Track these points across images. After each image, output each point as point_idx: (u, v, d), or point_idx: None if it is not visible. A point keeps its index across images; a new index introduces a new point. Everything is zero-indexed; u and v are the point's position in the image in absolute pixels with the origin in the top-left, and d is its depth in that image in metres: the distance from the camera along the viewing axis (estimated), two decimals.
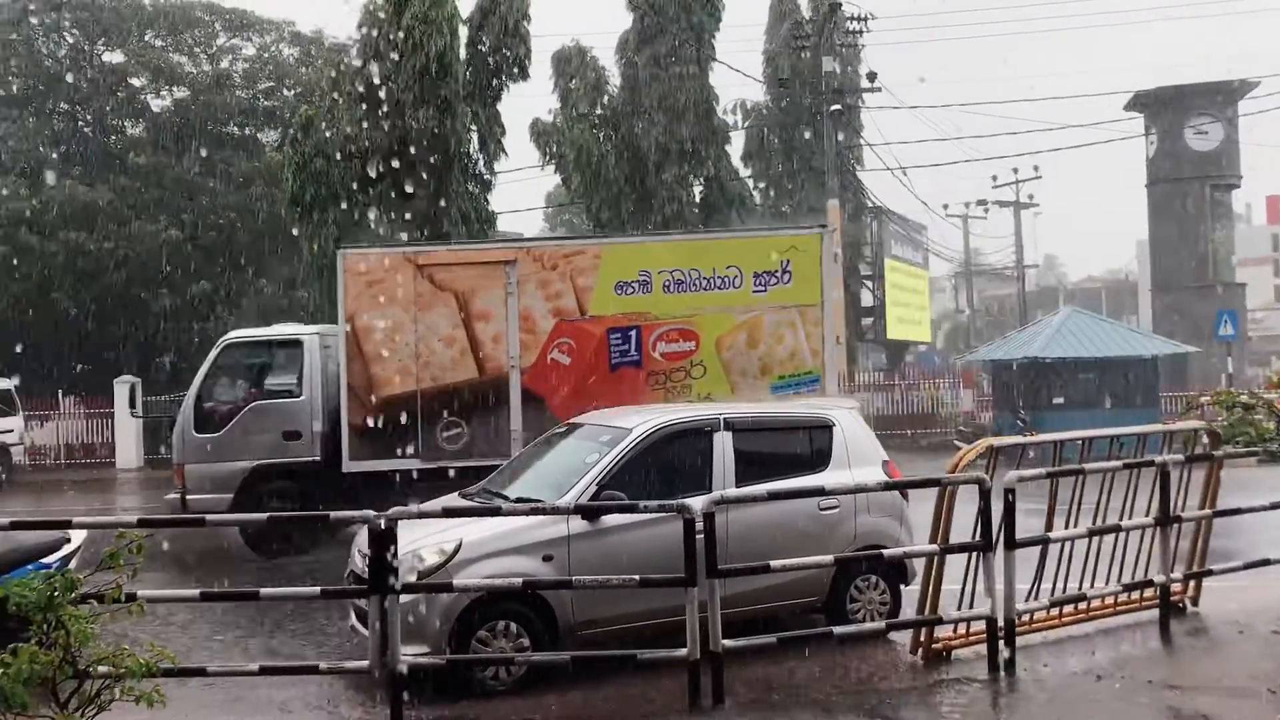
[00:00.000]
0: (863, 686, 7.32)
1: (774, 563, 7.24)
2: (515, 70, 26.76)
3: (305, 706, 7.28)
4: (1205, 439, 9.18)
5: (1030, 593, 7.87)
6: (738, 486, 7.97)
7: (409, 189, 24.35)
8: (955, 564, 7.62)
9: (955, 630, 7.78)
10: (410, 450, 12.77)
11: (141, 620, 5.85)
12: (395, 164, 24.02)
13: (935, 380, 30.82)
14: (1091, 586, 8.14)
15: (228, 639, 8.94)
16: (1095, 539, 8.15)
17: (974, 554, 7.50)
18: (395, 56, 24.45)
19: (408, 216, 24.00)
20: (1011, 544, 7.36)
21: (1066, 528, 8.07)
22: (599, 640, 7.59)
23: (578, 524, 7.51)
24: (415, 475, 12.57)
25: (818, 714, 6.78)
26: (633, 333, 12.93)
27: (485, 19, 26.47)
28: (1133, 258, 61.33)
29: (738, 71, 32.89)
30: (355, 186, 24.51)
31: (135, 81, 35.78)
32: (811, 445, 8.69)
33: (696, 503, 6.94)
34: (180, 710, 6.34)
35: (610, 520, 7.54)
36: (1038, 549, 7.88)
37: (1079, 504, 8.16)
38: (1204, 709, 6.65)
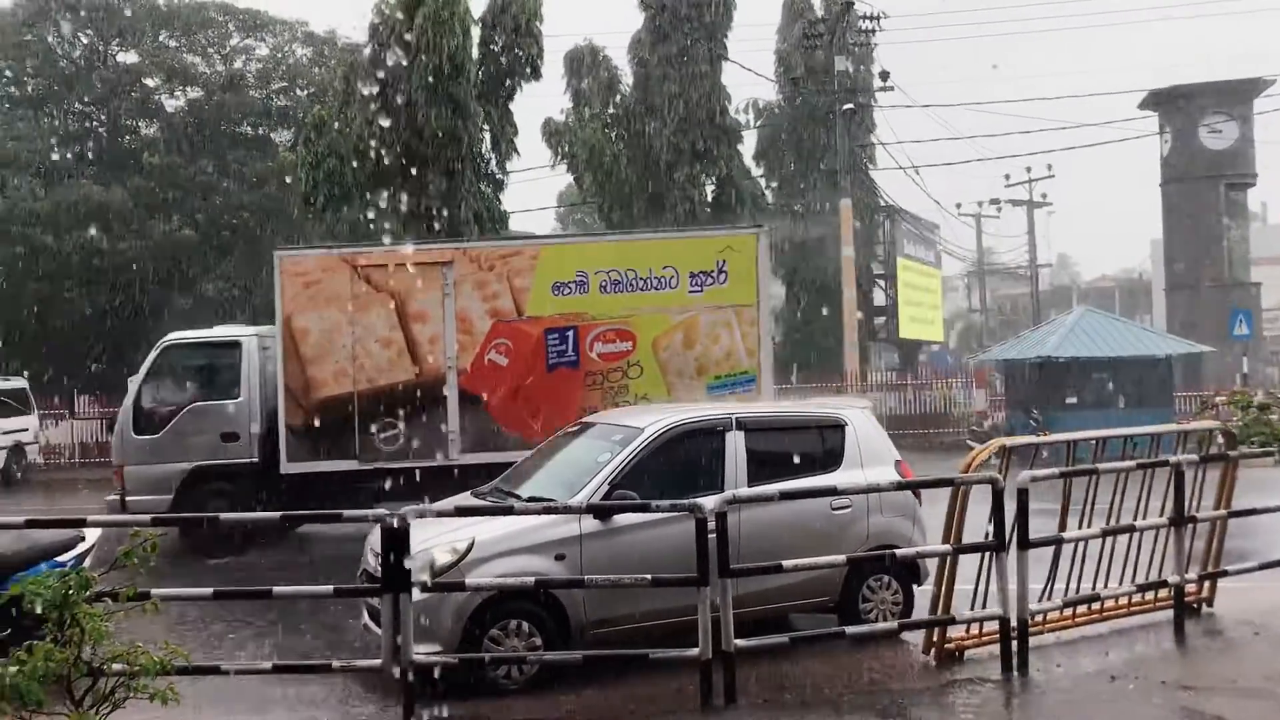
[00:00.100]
0: (875, 686, 7.31)
1: (786, 562, 7.22)
2: (527, 70, 26.81)
3: (318, 705, 7.30)
4: (1220, 439, 9.13)
5: (1044, 593, 7.84)
6: (750, 486, 7.96)
7: (421, 189, 24.42)
8: (968, 564, 7.59)
9: (968, 630, 7.75)
10: (348, 451, 12.82)
11: (153, 618, 5.86)
12: (407, 164, 24.08)
13: (948, 380, 30.72)
14: (1105, 587, 8.11)
15: (240, 637, 8.97)
16: (1109, 539, 8.11)
17: (987, 554, 7.47)
18: (408, 56, 24.49)
19: (420, 216, 24.04)
20: (1025, 544, 7.33)
21: (1080, 528, 8.03)
22: (611, 640, 7.59)
23: (590, 523, 7.51)
24: (354, 476, 12.68)
25: (830, 714, 6.77)
26: (570, 333, 12.99)
27: (497, 19, 26.52)
28: (1147, 257, 61.07)
29: (750, 71, 32.91)
30: (368, 186, 24.56)
31: (149, 82, 35.95)
32: (824, 445, 8.68)
33: (709, 502, 6.94)
34: (193, 708, 6.36)
35: (622, 520, 7.54)
36: (1051, 549, 7.85)
37: (1092, 504, 8.12)
38: (1218, 710, 6.61)
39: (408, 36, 24.49)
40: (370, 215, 24.69)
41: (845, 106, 30.38)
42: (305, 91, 35.66)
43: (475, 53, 25.73)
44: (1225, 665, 7.60)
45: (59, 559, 7.44)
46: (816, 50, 32.66)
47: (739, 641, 6.81)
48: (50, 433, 27.88)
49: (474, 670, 7.18)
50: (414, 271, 13.07)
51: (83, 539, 7.91)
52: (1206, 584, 8.77)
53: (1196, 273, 38.22)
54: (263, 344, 13.57)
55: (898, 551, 8.08)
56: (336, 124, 25.03)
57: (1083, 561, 8.02)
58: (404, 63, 24.57)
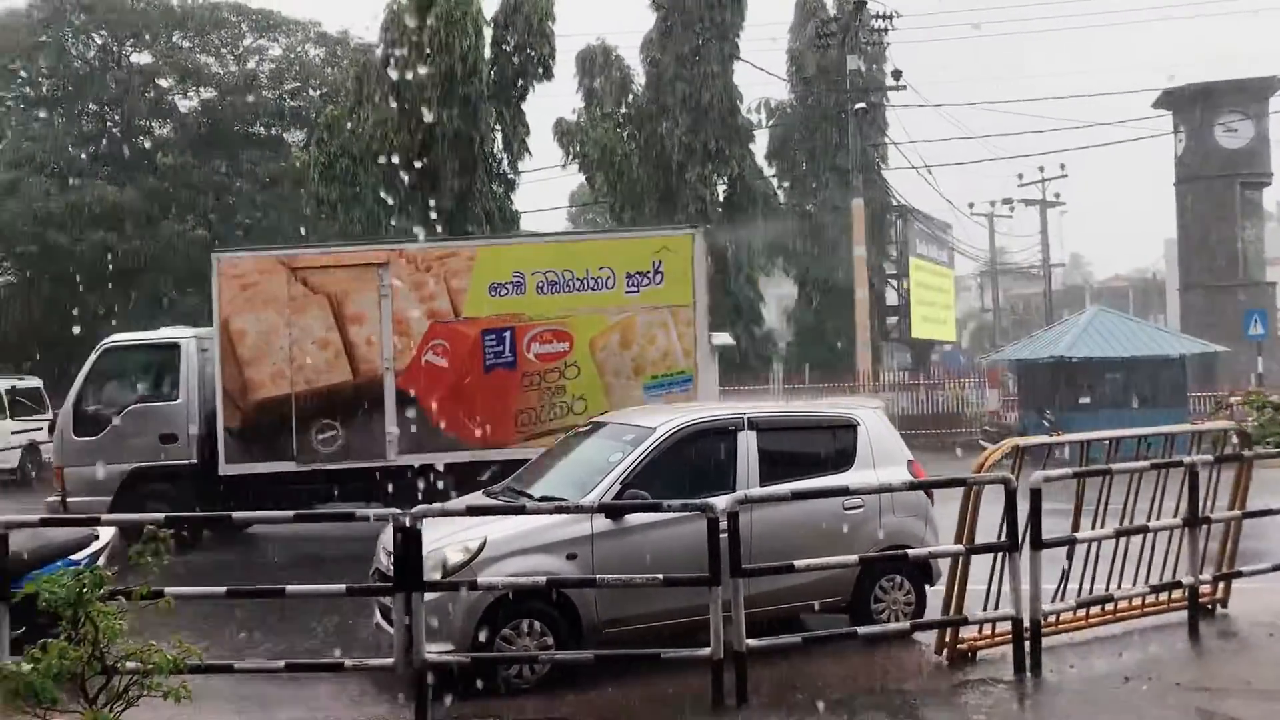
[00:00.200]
0: (887, 687, 7.29)
1: (798, 562, 7.22)
2: (539, 70, 26.86)
3: (330, 703, 7.31)
4: (1235, 439, 9.09)
5: (1056, 594, 7.81)
6: (762, 486, 7.95)
7: (433, 189, 24.48)
8: (981, 564, 7.57)
9: (980, 631, 7.73)
10: (285, 453, 12.84)
11: (165, 617, 5.89)
12: (420, 164, 24.15)
13: (960, 380, 30.64)
14: (1119, 588, 8.07)
15: (253, 636, 8.98)
16: (1122, 540, 8.08)
17: (1000, 554, 7.45)
18: (420, 57, 24.55)
19: (432, 216, 24.10)
20: (1038, 544, 7.31)
21: (1093, 528, 8.01)
22: (623, 639, 7.60)
23: (601, 523, 7.51)
24: (292, 477, 12.72)
25: (842, 714, 6.76)
26: (507, 334, 13.01)
27: (510, 19, 26.57)
28: (1160, 256, 60.79)
29: (762, 70, 32.84)
30: (380, 186, 24.64)
31: (163, 82, 36.11)
32: (836, 445, 8.66)
33: (720, 502, 6.93)
34: (206, 706, 6.38)
35: (634, 519, 7.54)
36: (1064, 550, 7.82)
37: (1106, 505, 8.09)
38: (1233, 712, 6.59)
39: (420, 37, 24.55)
40: (382, 215, 24.77)
41: (857, 106, 30.33)
42: (318, 92, 35.77)
43: (487, 53, 25.78)
44: (1240, 666, 7.56)
45: (73, 557, 7.49)
46: (829, 49, 32.62)
47: (751, 641, 6.81)
48: None
49: (486, 669, 7.19)
50: (350, 273, 13.13)
51: (96, 537, 7.96)
52: (1221, 585, 8.73)
53: (1211, 272, 38.02)
54: (202, 346, 13.60)
55: (910, 552, 8.07)
56: (349, 124, 25.13)
57: (1096, 562, 8.00)
58: (416, 63, 24.62)
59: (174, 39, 36.13)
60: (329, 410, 12.90)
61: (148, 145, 35.81)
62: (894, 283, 37.40)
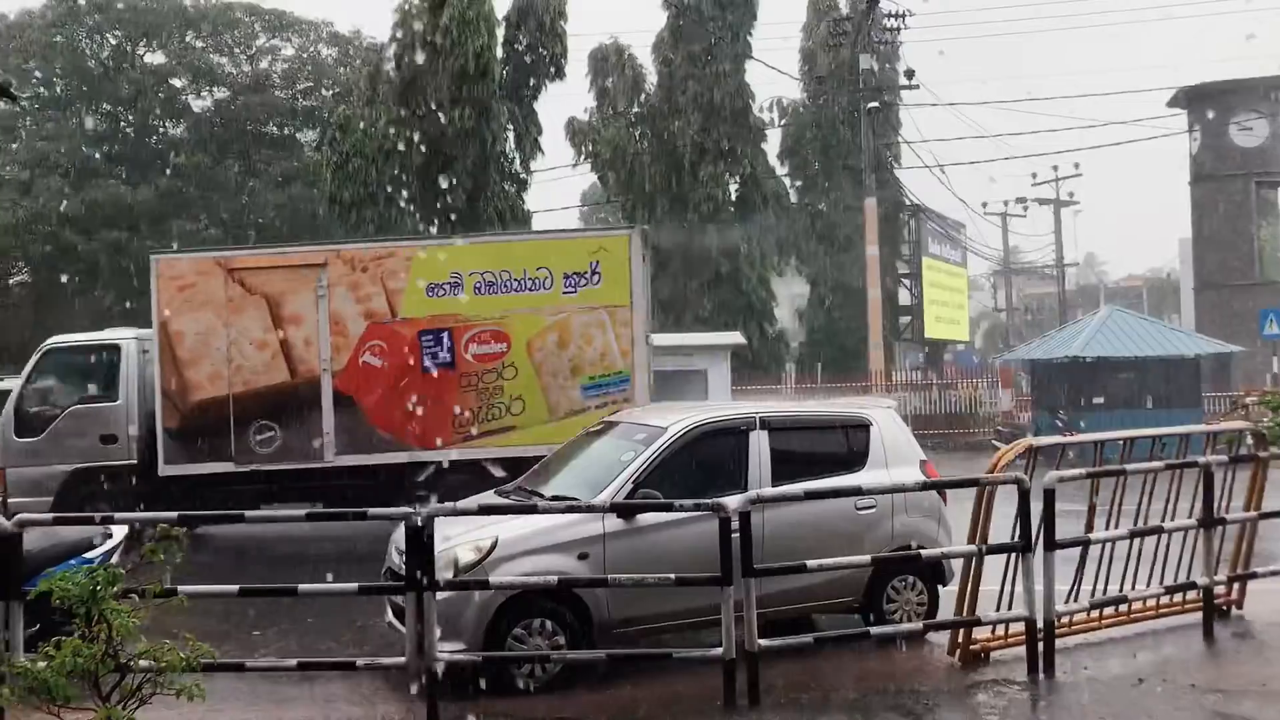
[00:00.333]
0: (899, 687, 7.27)
1: (810, 562, 7.20)
2: (551, 70, 26.88)
3: (342, 702, 7.33)
4: (1250, 440, 9.03)
5: (1070, 594, 7.78)
6: (774, 486, 7.93)
7: (446, 188, 24.51)
8: (994, 565, 7.55)
9: (993, 632, 7.71)
10: (223, 454, 12.86)
11: (174, 614, 5.90)
12: (432, 163, 24.19)
13: (973, 380, 30.57)
14: (1133, 589, 8.03)
15: (265, 635, 9.01)
16: (1136, 541, 8.04)
17: (1013, 555, 7.42)
18: (433, 56, 24.58)
19: (445, 215, 24.14)
20: (1051, 545, 7.28)
21: (1107, 529, 7.97)
22: (634, 639, 7.60)
23: (613, 522, 7.50)
24: (231, 478, 12.73)
25: (854, 714, 6.75)
26: (444, 335, 12.98)
27: (522, 18, 26.60)
28: (1175, 256, 60.49)
29: (774, 69, 32.73)
30: (392, 186, 24.68)
31: (176, 82, 36.28)
32: (848, 444, 8.64)
33: (732, 502, 6.92)
34: (218, 704, 6.40)
35: (646, 519, 7.53)
36: (1077, 550, 7.79)
37: (1120, 505, 8.05)
38: (1248, 713, 6.56)
39: (433, 37, 24.57)
40: (394, 214, 24.82)
41: (870, 105, 30.26)
42: (330, 91, 35.88)
43: (499, 52, 25.80)
44: (1255, 668, 7.52)
45: (87, 555, 7.52)
46: (842, 48, 32.56)
47: (763, 641, 6.79)
48: None
49: (498, 668, 7.19)
50: (288, 274, 13.15)
51: (110, 535, 7.99)
52: (1236, 586, 8.69)
53: (1226, 272, 37.85)
54: (142, 347, 13.61)
55: (923, 552, 8.05)
56: (362, 124, 25.17)
57: (1110, 563, 7.96)
58: (429, 63, 24.66)
59: (187, 39, 36.30)
60: (267, 411, 12.92)
61: (161, 145, 35.96)
62: (907, 282, 37.30)
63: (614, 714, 7.02)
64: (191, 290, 13.00)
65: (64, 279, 30.92)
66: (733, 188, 32.41)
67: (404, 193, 24.91)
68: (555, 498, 8.05)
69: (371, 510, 7.82)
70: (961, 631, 7.64)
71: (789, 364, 34.11)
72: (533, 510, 7.68)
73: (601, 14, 39.19)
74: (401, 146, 24.41)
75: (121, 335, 14.09)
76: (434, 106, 24.44)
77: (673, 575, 6.93)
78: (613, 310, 13.06)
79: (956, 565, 8.07)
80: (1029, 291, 70.32)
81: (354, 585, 7.55)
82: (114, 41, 36.21)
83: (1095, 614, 8.01)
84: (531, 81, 26.91)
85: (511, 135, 26.52)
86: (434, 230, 23.76)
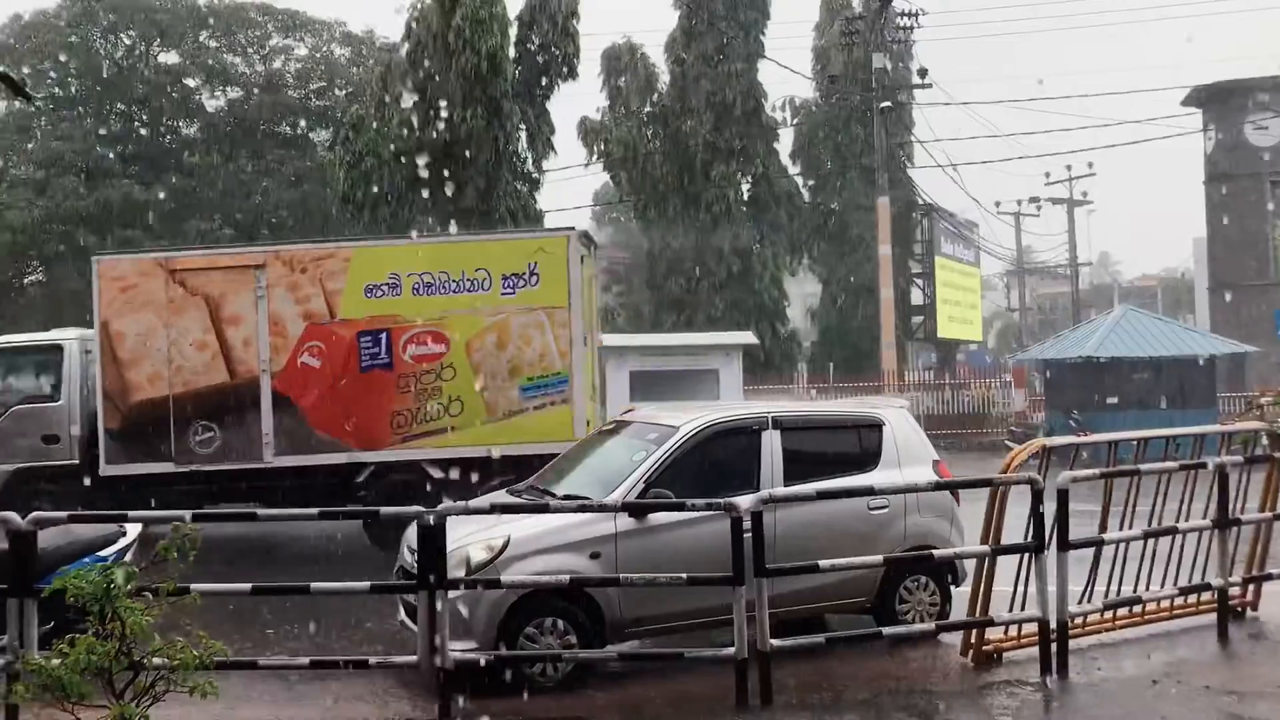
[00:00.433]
0: (912, 688, 7.25)
1: (822, 562, 7.19)
2: (564, 70, 26.89)
3: (354, 700, 7.34)
4: (1265, 440, 8.98)
5: (1083, 595, 7.75)
6: (786, 485, 7.91)
7: (458, 187, 24.55)
8: (1007, 565, 7.52)
9: (1006, 632, 7.68)
10: (164, 454, 12.85)
11: (190, 612, 5.92)
12: (444, 162, 24.22)
13: (986, 380, 30.48)
14: (1147, 590, 8.00)
15: (277, 633, 9.03)
16: (1150, 541, 8.01)
17: (1026, 555, 7.40)
18: (446, 56, 24.62)
19: (458, 214, 24.17)
20: (1064, 545, 7.26)
21: (1121, 530, 7.94)
22: (646, 638, 7.58)
23: (625, 522, 7.50)
24: (171, 478, 12.71)
25: (866, 714, 6.74)
26: (383, 335, 12.95)
27: (534, 18, 26.61)
28: (1189, 255, 60.22)
29: (786, 68, 32.68)
30: (405, 185, 24.72)
31: (190, 82, 36.42)
32: (861, 444, 8.62)
33: (744, 501, 6.92)
34: (231, 702, 6.42)
35: (657, 518, 7.53)
36: (1091, 551, 7.76)
37: (1133, 506, 8.02)
38: (1263, 715, 6.52)
39: (446, 37, 24.61)
40: (407, 214, 24.86)
41: (883, 104, 30.20)
42: (343, 91, 35.97)
43: (512, 52, 25.82)
44: (1271, 670, 7.49)
45: (101, 553, 7.54)
46: (854, 47, 32.50)
47: (775, 641, 6.79)
48: None
49: (510, 667, 7.20)
50: (227, 275, 13.15)
51: (124, 534, 8.02)
52: (1251, 587, 8.64)
53: (1241, 272, 37.64)
54: (85, 347, 13.61)
55: (936, 552, 8.03)
56: (374, 123, 25.22)
57: (1124, 564, 7.93)
58: (442, 62, 24.69)
59: (201, 39, 36.44)
60: (207, 412, 12.91)
61: (175, 145, 36.10)
62: (919, 282, 37.21)
63: (626, 713, 7.02)
64: (133, 291, 13.03)
65: (78, 278, 31.03)
66: (745, 187, 32.38)
67: (417, 191, 24.93)
68: (567, 497, 8.05)
69: (384, 510, 7.84)
70: (974, 632, 7.62)
71: (801, 364, 34.07)
72: (545, 509, 7.68)
73: (614, 13, 39.19)
74: (414, 146, 24.45)
75: (64, 335, 14.11)
76: (447, 106, 24.46)
77: (685, 575, 6.93)
78: (551, 311, 13.05)
79: (969, 565, 8.05)
80: (1042, 291, 70.06)
81: (366, 584, 7.57)
82: (128, 42, 36.37)
83: (1109, 615, 7.98)
84: (544, 81, 26.92)
85: (524, 135, 26.54)
86: (453, 229, 23.75)
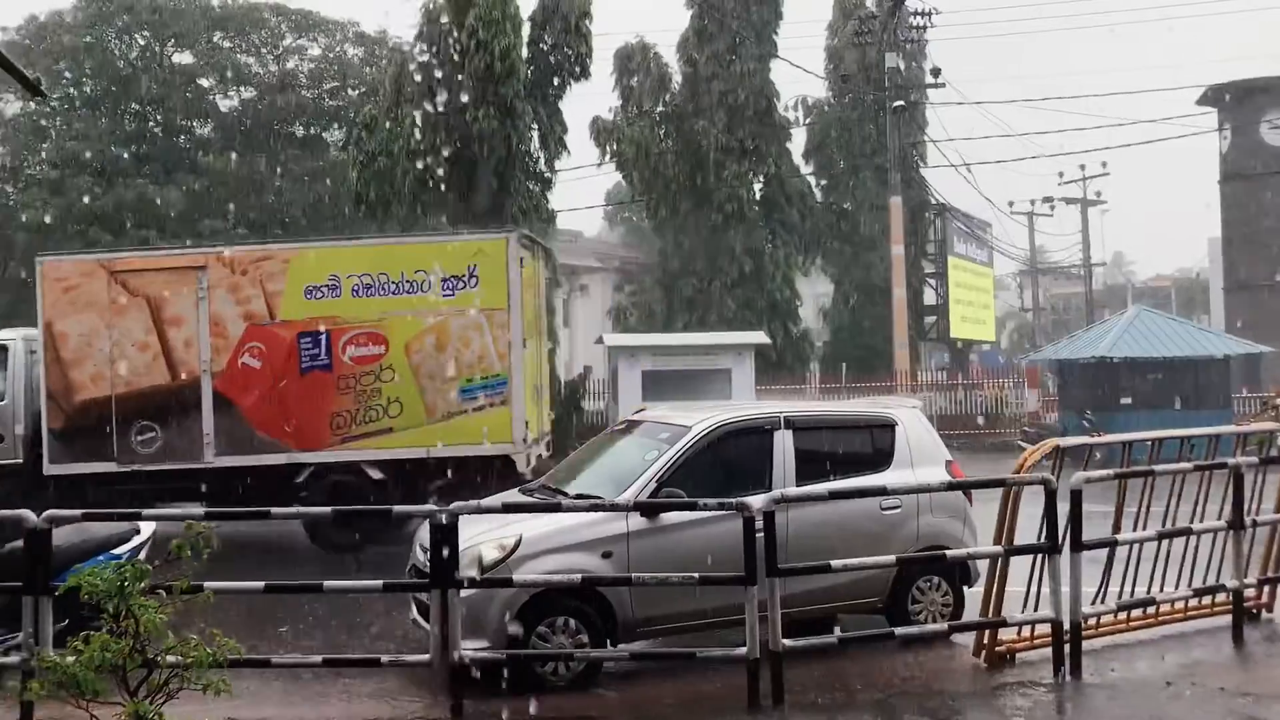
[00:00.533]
0: (924, 688, 7.24)
1: (835, 562, 7.18)
2: (577, 69, 26.86)
3: (366, 699, 7.36)
4: None
5: (1097, 596, 7.73)
6: (798, 485, 7.91)
7: (470, 187, 24.56)
8: (1020, 566, 7.50)
9: (1019, 633, 7.66)
10: (106, 453, 12.93)
11: (199, 611, 5.95)
12: (457, 162, 24.23)
13: (999, 380, 30.37)
14: (1161, 591, 7.97)
15: (290, 631, 9.06)
16: (1165, 542, 7.97)
17: (1039, 556, 7.37)
18: (459, 56, 24.63)
19: (470, 214, 24.18)
20: (1078, 546, 7.23)
21: (1135, 530, 7.90)
22: (658, 637, 7.58)
23: (637, 521, 7.50)
24: (114, 477, 12.78)
25: (878, 715, 6.73)
26: (323, 337, 13.03)
27: (547, 18, 26.59)
28: (1204, 255, 59.91)
29: (799, 68, 32.59)
30: (418, 184, 24.74)
31: (204, 82, 36.53)
32: (873, 444, 8.62)
33: (756, 501, 6.91)
34: (244, 700, 6.43)
35: (669, 518, 7.53)
36: (1104, 552, 7.73)
37: (1148, 507, 7.98)
38: (1278, 718, 6.47)
39: (459, 37, 24.61)
40: (420, 213, 24.88)
41: (896, 104, 30.12)
42: (356, 91, 36.02)
43: (524, 52, 25.81)
44: None
45: (115, 551, 7.58)
46: (867, 47, 32.42)
47: (787, 641, 6.78)
48: None
49: (521, 666, 7.21)
50: (169, 276, 13.25)
51: (138, 532, 8.05)
52: (1266, 589, 8.61)
53: (1257, 272, 37.46)
54: (30, 347, 13.68)
55: (948, 553, 8.01)
56: (387, 123, 25.23)
57: (1138, 565, 7.89)
58: (455, 62, 24.71)
59: (214, 39, 36.54)
60: (148, 412, 13.01)
61: (189, 145, 36.22)
62: (932, 282, 37.08)
63: (637, 712, 7.03)
64: (76, 292, 13.12)
65: None
66: (757, 187, 32.31)
67: (429, 192, 24.96)
68: (579, 496, 8.06)
69: (397, 508, 7.86)
70: (987, 633, 7.60)
71: (813, 364, 33.99)
72: (556, 508, 7.69)
73: (626, 13, 39.15)
74: (427, 146, 24.46)
75: (8, 335, 14.15)
76: (459, 106, 24.48)
77: (696, 574, 6.92)
78: (490, 313, 13.11)
79: (982, 566, 8.02)
80: (1055, 291, 69.86)
81: (379, 582, 7.60)
82: (142, 42, 36.50)
83: (1122, 616, 7.95)
84: (556, 81, 26.89)
85: (536, 134, 26.51)
86: (469, 228, 23.77)
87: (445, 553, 6.63)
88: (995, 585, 7.48)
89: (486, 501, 8.05)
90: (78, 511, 7.20)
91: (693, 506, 7.32)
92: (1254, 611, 8.48)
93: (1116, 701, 6.87)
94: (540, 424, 14.56)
